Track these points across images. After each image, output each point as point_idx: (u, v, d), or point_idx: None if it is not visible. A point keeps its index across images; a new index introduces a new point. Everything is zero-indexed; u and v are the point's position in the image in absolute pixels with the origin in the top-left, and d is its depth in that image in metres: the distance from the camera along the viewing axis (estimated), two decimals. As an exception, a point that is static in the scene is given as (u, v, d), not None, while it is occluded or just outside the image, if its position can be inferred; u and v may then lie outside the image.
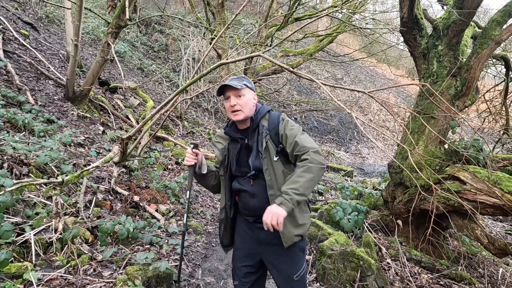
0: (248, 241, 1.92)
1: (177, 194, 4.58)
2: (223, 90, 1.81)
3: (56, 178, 3.18)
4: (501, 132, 5.91)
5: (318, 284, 3.09)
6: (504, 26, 3.66)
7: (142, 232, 3.28)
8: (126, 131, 5.71)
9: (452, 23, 3.74)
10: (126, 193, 3.85)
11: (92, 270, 2.62)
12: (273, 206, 1.62)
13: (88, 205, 3.38)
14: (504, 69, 5.37)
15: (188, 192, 2.10)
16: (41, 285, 2.30)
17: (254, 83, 9.68)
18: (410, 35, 4.09)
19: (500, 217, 6.37)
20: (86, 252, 2.75)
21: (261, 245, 1.87)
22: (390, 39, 15.61)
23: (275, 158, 1.76)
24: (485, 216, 5.72)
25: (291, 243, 1.76)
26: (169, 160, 5.67)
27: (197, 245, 3.67)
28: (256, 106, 1.89)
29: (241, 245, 1.96)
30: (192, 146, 1.97)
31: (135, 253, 2.91)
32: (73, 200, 3.24)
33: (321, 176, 1.68)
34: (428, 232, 3.23)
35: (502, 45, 4.43)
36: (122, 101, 6.92)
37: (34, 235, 2.62)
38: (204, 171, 1.96)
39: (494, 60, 5.65)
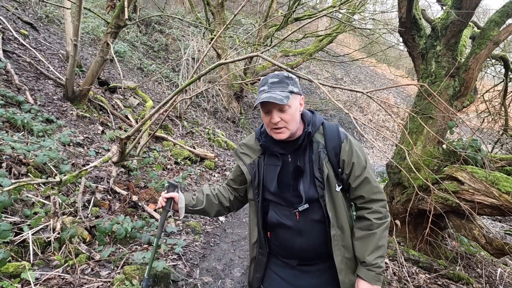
0: None
1: (176, 194, 4.58)
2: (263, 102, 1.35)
3: (54, 178, 3.19)
4: (500, 132, 5.91)
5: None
6: (503, 27, 3.67)
7: (140, 231, 3.29)
8: (125, 131, 5.72)
9: (450, 24, 3.75)
10: (124, 193, 3.86)
11: (89, 269, 2.62)
12: (365, 285, 1.34)
13: (87, 204, 3.38)
14: (503, 69, 5.38)
15: (156, 239, 1.61)
16: (38, 284, 2.30)
17: (253, 83, 9.64)
18: (409, 36, 4.10)
19: (499, 217, 6.38)
20: (84, 251, 2.76)
21: None
22: (389, 39, 15.62)
23: (337, 188, 1.38)
24: (484, 216, 5.72)
25: None
26: (168, 160, 5.67)
27: (195, 245, 3.68)
28: (304, 114, 1.45)
29: None
30: (167, 186, 1.57)
31: (133, 253, 2.92)
32: (72, 200, 3.24)
33: None
34: (426, 232, 3.23)
35: (501, 45, 4.44)
36: (121, 101, 6.92)
37: (32, 234, 2.63)
38: (181, 216, 1.59)
39: (493, 60, 5.66)
